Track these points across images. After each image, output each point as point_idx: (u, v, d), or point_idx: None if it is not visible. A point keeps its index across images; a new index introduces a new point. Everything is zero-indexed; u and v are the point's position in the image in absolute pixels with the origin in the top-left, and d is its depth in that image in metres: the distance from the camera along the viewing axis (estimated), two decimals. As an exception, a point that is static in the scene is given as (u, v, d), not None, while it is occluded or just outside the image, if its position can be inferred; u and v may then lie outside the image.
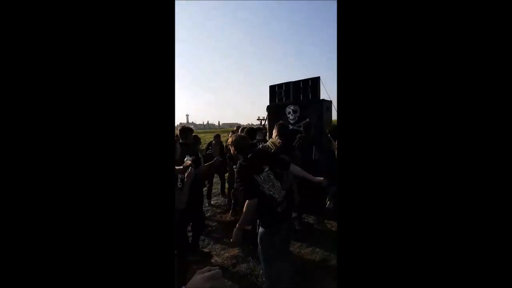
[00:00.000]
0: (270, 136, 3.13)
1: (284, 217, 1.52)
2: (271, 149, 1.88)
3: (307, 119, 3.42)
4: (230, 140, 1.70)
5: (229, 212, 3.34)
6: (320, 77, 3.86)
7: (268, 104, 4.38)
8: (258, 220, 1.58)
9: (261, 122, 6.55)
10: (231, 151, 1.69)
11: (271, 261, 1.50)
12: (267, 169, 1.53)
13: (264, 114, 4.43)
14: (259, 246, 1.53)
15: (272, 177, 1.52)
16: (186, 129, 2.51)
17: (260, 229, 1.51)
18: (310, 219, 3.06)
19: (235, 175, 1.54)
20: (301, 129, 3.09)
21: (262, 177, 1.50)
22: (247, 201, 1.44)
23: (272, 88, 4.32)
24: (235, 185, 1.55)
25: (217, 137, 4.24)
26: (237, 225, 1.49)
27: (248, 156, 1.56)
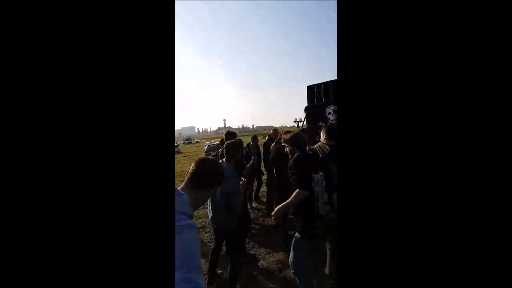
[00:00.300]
0: (310, 138, 3.04)
1: (321, 233, 1.45)
2: (320, 154, 1.83)
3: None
4: (286, 136, 1.71)
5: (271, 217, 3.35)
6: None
7: (306, 105, 4.27)
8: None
9: (297, 124, 6.43)
10: (287, 148, 1.69)
11: (304, 270, 1.45)
12: (321, 173, 1.49)
13: (301, 115, 4.34)
14: (292, 253, 1.49)
15: (324, 184, 1.47)
16: (231, 134, 2.74)
17: (296, 235, 1.48)
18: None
19: (290, 165, 1.51)
20: None
21: (315, 178, 1.46)
22: (298, 190, 1.41)
23: (310, 89, 4.20)
24: (290, 176, 1.49)
25: (255, 138, 4.35)
26: (281, 204, 1.49)
27: (308, 152, 1.58)
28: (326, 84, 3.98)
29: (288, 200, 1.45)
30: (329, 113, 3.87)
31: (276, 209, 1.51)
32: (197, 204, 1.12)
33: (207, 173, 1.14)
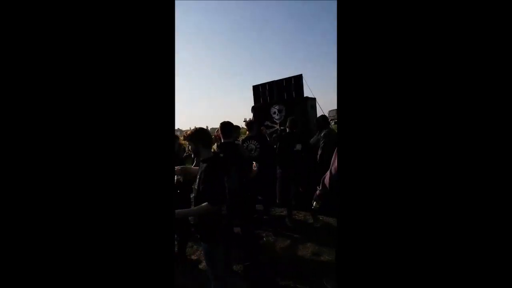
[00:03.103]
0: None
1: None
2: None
3: (291, 117, 3.43)
4: (187, 132, 1.49)
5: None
6: (303, 75, 3.91)
7: (252, 105, 4.36)
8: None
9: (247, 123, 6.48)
10: (188, 146, 1.57)
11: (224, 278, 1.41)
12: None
13: (251, 115, 4.41)
14: (207, 264, 1.39)
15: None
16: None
17: (206, 246, 1.35)
18: (301, 216, 3.05)
19: (205, 171, 1.31)
20: (287, 125, 3.05)
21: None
22: (208, 205, 1.25)
23: (256, 88, 4.31)
24: (201, 183, 1.32)
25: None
26: (177, 211, 1.27)
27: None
28: (270, 84, 4.15)
29: (191, 210, 1.32)
30: (274, 113, 4.03)
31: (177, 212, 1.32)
32: None
33: None
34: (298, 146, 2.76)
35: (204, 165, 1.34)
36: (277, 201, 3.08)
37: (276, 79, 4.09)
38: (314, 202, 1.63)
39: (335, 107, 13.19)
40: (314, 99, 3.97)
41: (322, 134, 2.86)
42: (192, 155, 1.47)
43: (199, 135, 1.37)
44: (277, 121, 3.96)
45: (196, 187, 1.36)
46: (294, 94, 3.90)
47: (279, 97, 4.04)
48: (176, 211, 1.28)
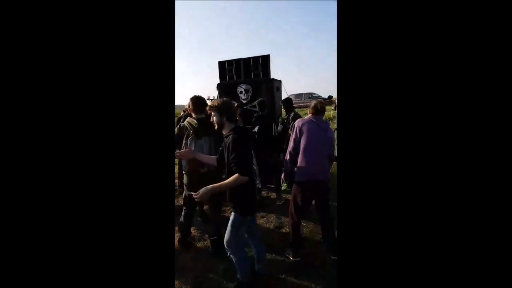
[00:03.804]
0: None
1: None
2: (190, 129, 1.77)
3: (260, 98, 3.46)
4: (214, 103, 1.43)
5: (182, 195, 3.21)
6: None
7: (218, 82, 4.19)
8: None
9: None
10: (212, 117, 1.40)
11: (240, 247, 1.50)
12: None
13: (214, 93, 4.24)
14: (229, 232, 1.42)
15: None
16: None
17: (235, 214, 1.39)
18: (264, 193, 3.26)
19: (233, 143, 1.28)
20: (256, 108, 3.10)
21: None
22: (238, 175, 1.26)
23: (222, 65, 4.12)
24: (231, 156, 1.29)
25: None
26: (212, 185, 1.31)
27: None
28: (237, 61, 4.01)
29: (223, 183, 1.31)
30: (241, 92, 3.97)
31: (203, 190, 1.30)
32: None
33: None
34: (255, 128, 2.88)
35: (230, 135, 1.31)
36: None
37: (243, 57, 3.97)
38: (283, 184, 1.78)
39: (298, 91, 13.64)
40: (280, 81, 4.04)
41: (291, 116, 3.01)
42: (216, 127, 1.38)
43: (227, 107, 1.31)
44: (244, 101, 3.93)
45: (226, 159, 1.35)
46: (261, 74, 3.88)
47: (245, 76, 3.96)
48: (212, 185, 1.30)
